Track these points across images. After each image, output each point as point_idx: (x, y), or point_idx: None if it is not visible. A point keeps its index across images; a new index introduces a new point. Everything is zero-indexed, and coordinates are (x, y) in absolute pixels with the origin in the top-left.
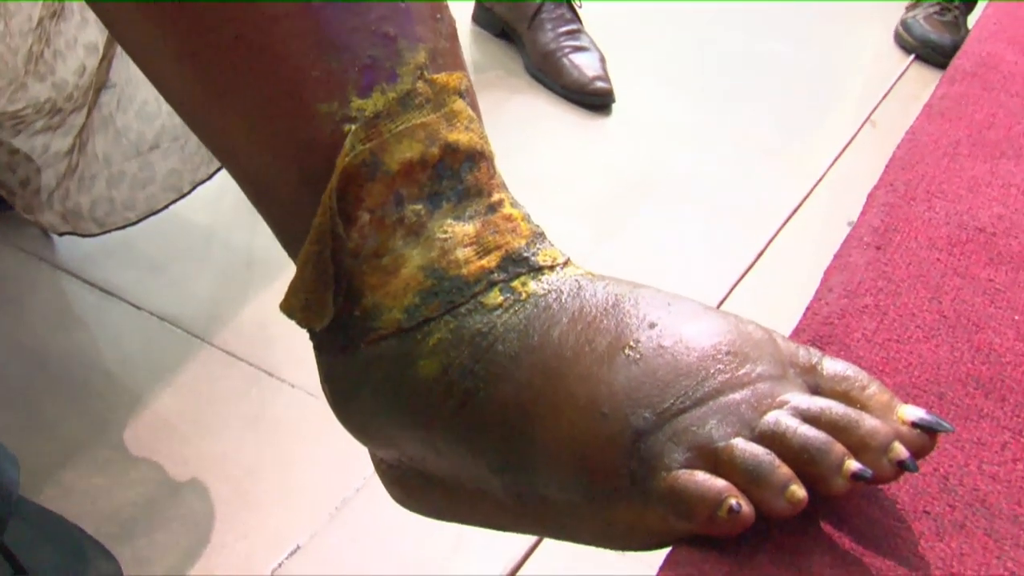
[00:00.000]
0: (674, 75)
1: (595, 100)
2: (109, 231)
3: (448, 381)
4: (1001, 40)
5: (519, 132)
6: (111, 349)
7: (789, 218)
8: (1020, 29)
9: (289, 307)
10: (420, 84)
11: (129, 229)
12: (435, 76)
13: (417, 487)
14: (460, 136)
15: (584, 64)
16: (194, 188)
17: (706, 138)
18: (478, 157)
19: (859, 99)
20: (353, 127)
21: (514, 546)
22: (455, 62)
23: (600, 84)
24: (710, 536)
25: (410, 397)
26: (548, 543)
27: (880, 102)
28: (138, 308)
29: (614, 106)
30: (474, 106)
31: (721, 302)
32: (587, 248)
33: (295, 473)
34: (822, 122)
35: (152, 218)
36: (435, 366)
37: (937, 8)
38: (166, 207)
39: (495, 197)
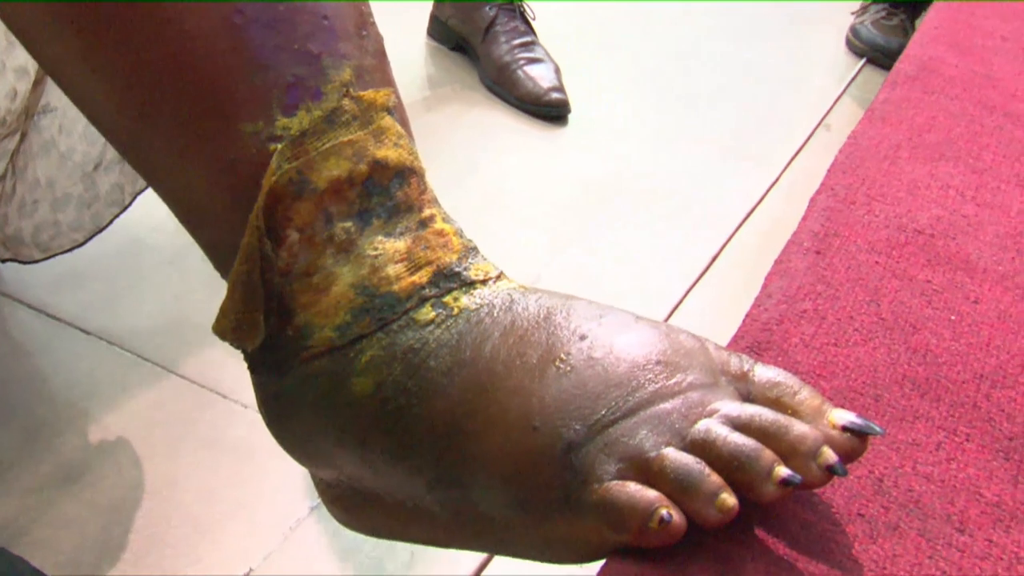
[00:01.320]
0: (629, 83)
1: (551, 111)
2: (54, 255)
3: (382, 398)
4: (942, 44)
5: (476, 145)
6: (59, 376)
7: (743, 221)
8: (962, 32)
9: (221, 328)
10: (346, 101)
11: (79, 253)
12: (362, 93)
13: (357, 506)
14: (389, 152)
15: (539, 76)
16: (134, 199)
17: (662, 144)
18: (408, 173)
19: (813, 103)
20: (279, 146)
21: (468, 563)
22: (383, 79)
23: (555, 95)
24: (645, 547)
25: (344, 415)
26: (500, 557)
27: (833, 106)
28: (87, 333)
29: (571, 116)
30: (404, 122)
31: (676, 305)
32: (546, 256)
33: (248, 495)
34: (777, 127)
35: (101, 242)
36: (368, 383)
37: (883, 13)
38: (110, 222)
39: (426, 212)
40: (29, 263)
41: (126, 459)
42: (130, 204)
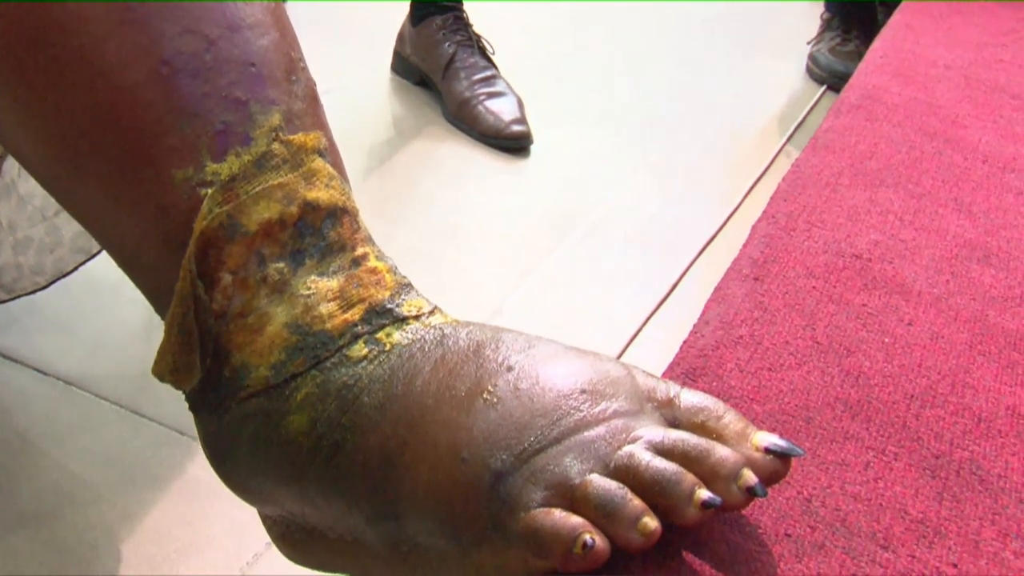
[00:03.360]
0: (592, 113)
1: (512, 143)
2: (18, 296)
3: (317, 434)
4: (886, 73)
5: (438, 178)
6: (14, 417)
7: (703, 250)
8: (906, 61)
9: (159, 370)
10: (276, 145)
11: (39, 295)
12: (291, 137)
13: (301, 541)
14: (320, 194)
15: (499, 110)
16: (102, 250)
17: (623, 173)
18: (340, 213)
19: (774, 130)
20: (210, 191)
21: None
22: (313, 122)
23: (516, 128)
24: (570, 573)
25: (282, 452)
26: None
27: (793, 132)
28: (43, 373)
29: (533, 147)
30: (336, 164)
31: (635, 334)
32: (508, 287)
33: (205, 530)
34: (738, 155)
35: (58, 283)
36: (303, 420)
37: (838, 40)
38: (76, 268)
39: (359, 251)
40: None
41: (82, 499)
42: (98, 253)
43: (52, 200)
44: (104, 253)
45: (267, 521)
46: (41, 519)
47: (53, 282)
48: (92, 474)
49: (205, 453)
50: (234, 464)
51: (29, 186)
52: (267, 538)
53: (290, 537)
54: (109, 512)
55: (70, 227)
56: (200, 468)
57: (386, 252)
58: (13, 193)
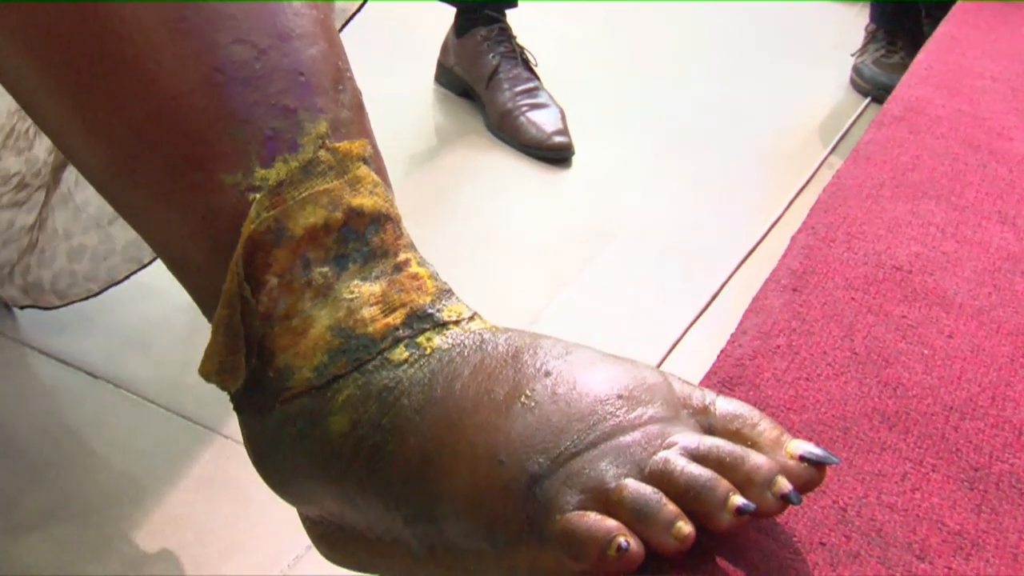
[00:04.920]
0: (634, 123)
1: (554, 154)
2: (71, 302)
3: (358, 436)
4: (930, 84)
5: (480, 187)
6: (66, 417)
7: (744, 260)
8: (951, 73)
9: (206, 370)
10: (322, 153)
11: (89, 300)
12: (337, 144)
13: (340, 541)
14: (364, 200)
15: (541, 121)
16: (155, 258)
17: (664, 183)
18: (383, 219)
19: (817, 142)
20: (257, 196)
21: None
22: (359, 130)
23: (557, 139)
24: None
25: (323, 453)
26: None
27: (836, 144)
28: (93, 376)
29: (575, 158)
30: (380, 171)
31: (675, 344)
32: (545, 296)
33: (248, 531)
34: (781, 166)
35: (110, 290)
36: (345, 421)
37: (883, 51)
38: (127, 277)
39: (401, 257)
40: (48, 309)
41: (129, 498)
42: (150, 263)
43: (107, 209)
44: (154, 262)
45: (307, 522)
46: (88, 516)
47: (106, 288)
48: (138, 474)
49: (248, 453)
50: (276, 464)
51: (86, 195)
52: (308, 541)
53: (330, 538)
54: (154, 511)
55: (123, 236)
56: (243, 469)
57: (427, 258)
58: (70, 202)
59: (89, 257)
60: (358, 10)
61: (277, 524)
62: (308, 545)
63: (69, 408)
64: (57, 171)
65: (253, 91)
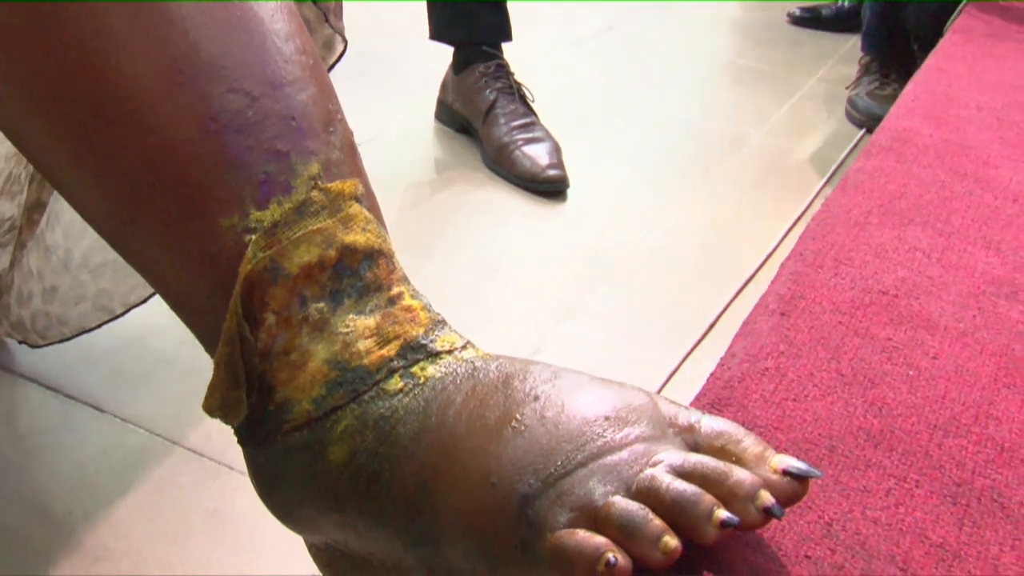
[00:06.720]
0: (628, 157)
1: (548, 187)
2: (52, 343)
3: (356, 465)
4: (917, 115)
5: (478, 221)
6: (73, 452)
7: (741, 289)
8: (939, 104)
9: (209, 406)
10: (315, 193)
11: (94, 336)
12: (329, 185)
13: (346, 568)
14: (357, 237)
15: (536, 154)
16: (127, 311)
17: (659, 216)
18: (376, 255)
19: (812, 174)
20: (254, 237)
21: None
22: (351, 170)
23: (551, 172)
24: None
25: (325, 482)
26: None
27: (831, 175)
28: (99, 410)
29: (570, 191)
30: (373, 208)
31: (673, 373)
32: (546, 326)
33: (255, 561)
34: (776, 198)
35: (114, 326)
36: (343, 451)
37: (877, 83)
38: (98, 327)
39: (395, 290)
40: (36, 347)
41: (136, 532)
42: (121, 314)
43: (74, 253)
44: (129, 313)
45: (313, 550)
46: (96, 552)
47: (77, 335)
48: (146, 507)
49: (253, 484)
50: (281, 494)
51: (55, 236)
52: (315, 569)
53: (335, 565)
54: (161, 544)
55: (94, 283)
56: (248, 500)
57: (426, 291)
58: (41, 243)
59: (60, 300)
60: (342, 54)
61: (284, 553)
62: (315, 574)
63: (76, 443)
64: (31, 211)
65: (247, 137)
